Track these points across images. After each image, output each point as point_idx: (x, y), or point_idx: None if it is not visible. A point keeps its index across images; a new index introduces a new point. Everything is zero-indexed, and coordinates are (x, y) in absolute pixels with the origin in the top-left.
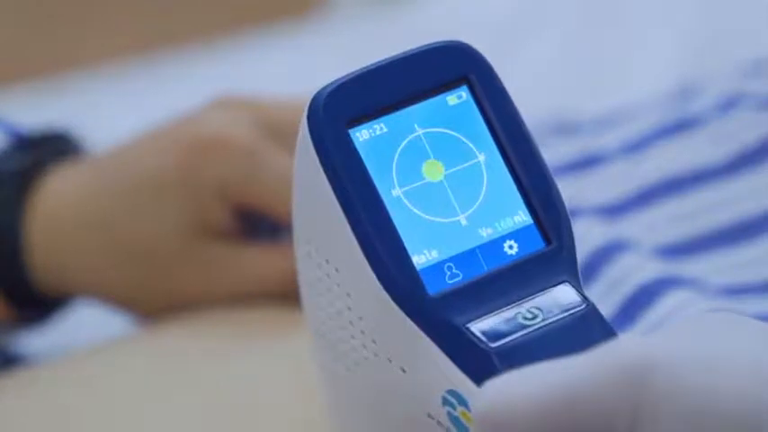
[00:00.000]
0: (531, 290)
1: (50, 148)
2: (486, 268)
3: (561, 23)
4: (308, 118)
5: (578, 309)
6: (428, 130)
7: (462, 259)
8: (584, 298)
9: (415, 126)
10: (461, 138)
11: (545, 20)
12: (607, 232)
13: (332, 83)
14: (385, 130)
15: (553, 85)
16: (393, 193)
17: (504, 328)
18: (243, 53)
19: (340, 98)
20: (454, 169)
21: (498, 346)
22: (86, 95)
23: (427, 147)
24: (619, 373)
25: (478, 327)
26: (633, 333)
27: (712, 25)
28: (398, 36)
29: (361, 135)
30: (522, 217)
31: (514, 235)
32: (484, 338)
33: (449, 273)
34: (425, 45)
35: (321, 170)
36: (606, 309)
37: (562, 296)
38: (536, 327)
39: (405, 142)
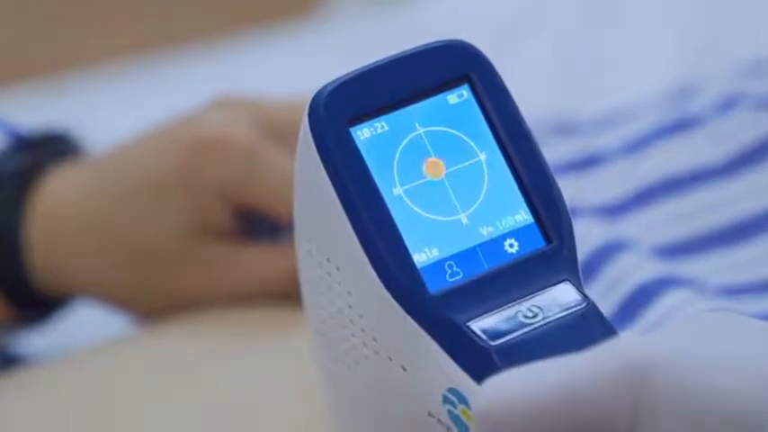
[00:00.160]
0: (531, 288)
1: (50, 149)
2: (486, 267)
3: (561, 23)
4: (310, 117)
5: (578, 307)
6: (429, 128)
7: (463, 258)
8: (585, 297)
9: (416, 125)
10: (462, 136)
11: (545, 20)
12: (606, 232)
13: (333, 81)
14: (386, 128)
15: (553, 85)
16: (394, 192)
17: (504, 326)
18: (243, 53)
19: (341, 97)
20: (455, 168)
21: (499, 345)
22: (86, 95)
23: (428, 145)
24: (619, 372)
25: (479, 325)
26: (633, 332)
27: (712, 25)
28: (398, 36)
29: (362, 134)
30: (523, 216)
31: (515, 233)
32: (484, 337)
33: (449, 271)
34: (426, 44)
35: (322, 169)
36: (605, 308)
37: (562, 295)
38: (536, 325)
39: (406, 141)
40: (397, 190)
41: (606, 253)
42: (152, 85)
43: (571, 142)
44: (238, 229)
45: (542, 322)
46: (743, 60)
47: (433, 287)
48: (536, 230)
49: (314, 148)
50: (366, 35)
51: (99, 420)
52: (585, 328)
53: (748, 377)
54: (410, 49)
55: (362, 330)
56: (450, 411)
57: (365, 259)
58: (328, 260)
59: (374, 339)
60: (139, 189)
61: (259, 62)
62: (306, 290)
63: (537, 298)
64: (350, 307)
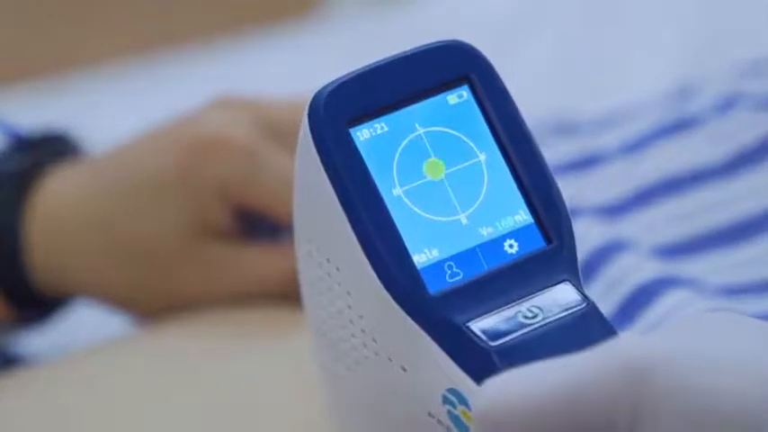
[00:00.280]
0: (531, 289)
1: (49, 149)
2: (486, 267)
3: (561, 23)
4: (309, 117)
5: (578, 308)
6: (429, 129)
7: (463, 258)
8: (585, 297)
9: (416, 125)
10: (462, 137)
11: (545, 20)
12: (605, 232)
13: (333, 82)
14: (386, 129)
15: (553, 85)
16: (394, 193)
17: (504, 326)
18: (243, 53)
19: (341, 97)
20: (455, 168)
21: (498, 345)
22: (86, 96)
23: (428, 146)
24: (619, 372)
25: (479, 325)
26: (633, 332)
27: (712, 25)
28: (398, 36)
29: (362, 134)
30: (523, 216)
31: (515, 234)
32: (484, 337)
33: (449, 272)
34: (426, 44)
35: (322, 169)
36: (605, 308)
37: (562, 295)
38: (536, 325)
39: (405, 141)
40: (397, 190)
41: (606, 253)
42: (152, 85)
43: (571, 142)
44: (238, 230)
45: (542, 323)
46: (742, 60)
47: (433, 288)
48: (536, 231)
49: (313, 149)
50: (366, 35)
51: (99, 420)
52: (585, 329)
53: (748, 377)
54: (410, 50)
55: (362, 331)
56: (449, 412)
57: (365, 260)
58: (328, 261)
59: (374, 340)
60: (139, 189)
61: (259, 62)
62: (306, 290)
63: (537, 298)
64: (350, 307)
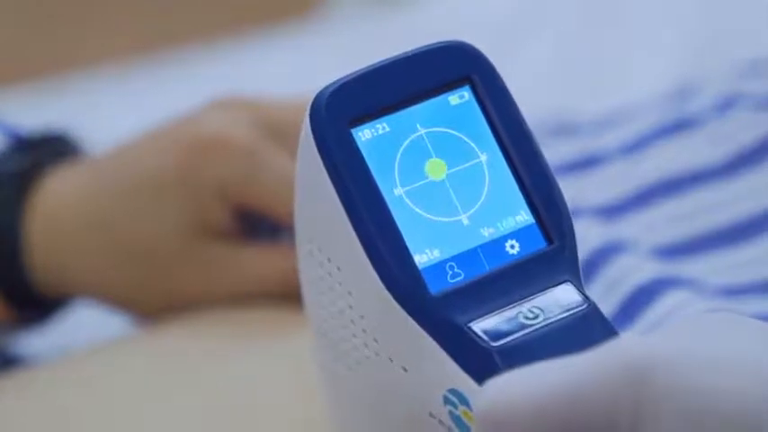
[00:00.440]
0: (532, 289)
1: (49, 150)
2: (487, 268)
3: (561, 23)
4: (311, 117)
5: (580, 308)
6: (430, 129)
7: (464, 259)
8: (586, 297)
9: (418, 126)
10: (463, 137)
11: (545, 20)
12: (605, 233)
13: (334, 82)
14: (387, 129)
15: (553, 85)
16: (395, 193)
17: (505, 327)
18: (243, 53)
19: (342, 98)
20: (456, 169)
21: (500, 346)
22: (87, 96)
23: (429, 146)
24: (620, 372)
25: (480, 326)
26: (633, 333)
27: (712, 25)
28: (398, 36)
29: (364, 134)
30: (524, 216)
31: (516, 234)
32: (485, 338)
33: (450, 272)
34: (428, 45)
35: (323, 169)
36: (605, 309)
37: (563, 296)
38: (537, 326)
39: (407, 142)
40: (399, 191)
41: (605, 254)
42: (152, 85)
43: (570, 143)
44: (238, 230)
45: (543, 323)
46: (741, 61)
47: (434, 288)
48: (537, 231)
49: (315, 149)
50: (366, 35)
51: (98, 421)
52: (586, 329)
53: (748, 377)
54: (411, 50)
55: (363, 331)
56: (451, 412)
57: (366, 260)
58: (329, 260)
59: (375, 340)
60: (139, 189)
61: (259, 62)
62: (307, 290)
63: (538, 299)
64: (351, 307)
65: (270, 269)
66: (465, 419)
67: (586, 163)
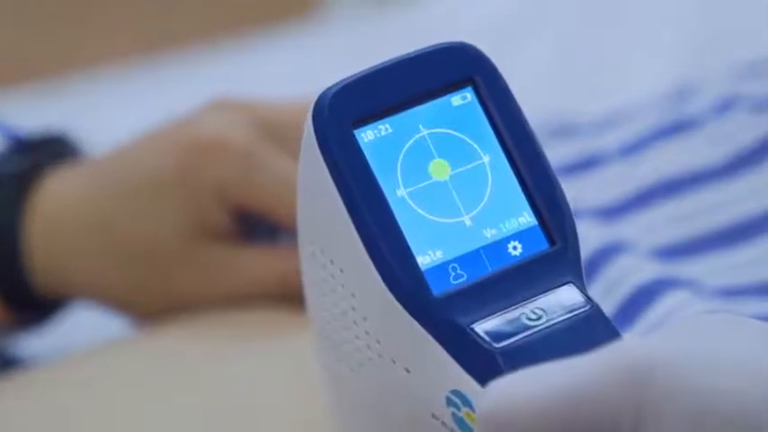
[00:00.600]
0: (535, 290)
1: (49, 151)
2: (490, 269)
3: (561, 24)
4: (314, 118)
5: (582, 309)
6: (433, 130)
7: (467, 260)
8: (589, 299)
9: (420, 127)
10: (466, 139)
11: (545, 20)
12: (604, 234)
13: (337, 83)
14: (390, 130)
15: (553, 86)
16: (398, 194)
17: (508, 328)
18: (243, 54)
19: (345, 99)
20: (459, 170)
21: (502, 347)
22: (87, 96)
23: (432, 147)
24: (623, 373)
25: (483, 327)
26: (633, 334)
27: (712, 25)
28: (399, 36)
29: (366, 136)
30: (527, 218)
31: (519, 236)
32: (488, 339)
33: (453, 273)
34: (430, 46)
35: (326, 170)
36: (605, 309)
37: (566, 297)
38: (540, 327)
39: (409, 143)
40: (401, 192)
41: (605, 254)
42: (152, 85)
43: (570, 144)
44: (237, 231)
45: (546, 325)
46: (739, 62)
47: (437, 289)
48: (540, 232)
49: (318, 150)
50: (366, 36)
51: (98, 422)
52: (589, 331)
53: (748, 377)
54: (414, 51)
55: (366, 332)
56: (453, 414)
57: (369, 261)
58: (332, 262)
59: (378, 341)
60: (139, 190)
61: (259, 63)
62: (309, 291)
63: (541, 300)
64: (353, 309)
65: (268, 271)
66: (468, 421)
67: (586, 164)
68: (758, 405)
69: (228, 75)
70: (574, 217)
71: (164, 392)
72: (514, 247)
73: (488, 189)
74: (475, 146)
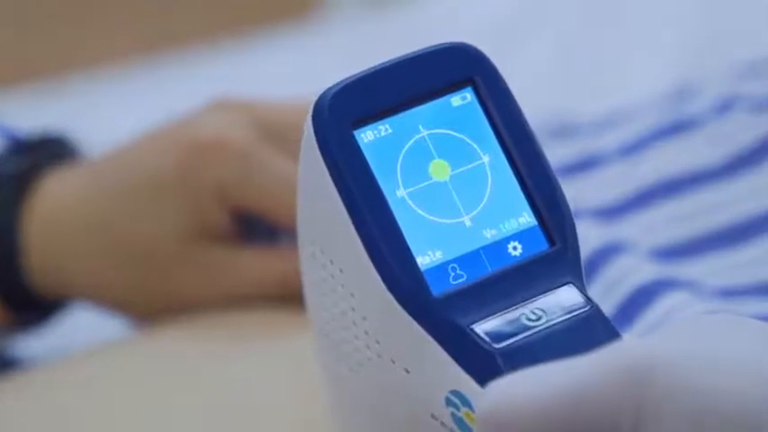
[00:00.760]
0: (534, 291)
1: (47, 152)
2: (490, 269)
3: (561, 24)
4: (313, 119)
5: (582, 310)
6: (432, 131)
7: (466, 260)
8: (588, 299)
9: (420, 127)
10: (466, 139)
11: (545, 20)
12: (604, 234)
13: (337, 84)
14: (390, 131)
15: (553, 86)
16: (397, 194)
17: (507, 329)
18: (243, 54)
19: (345, 99)
20: (459, 170)
21: (502, 347)
22: (86, 97)
23: (432, 148)
24: (623, 374)
25: (482, 328)
26: (632, 334)
27: (712, 25)
28: (398, 37)
29: (366, 136)
30: (527, 218)
31: (519, 236)
32: (488, 339)
33: (453, 274)
34: (430, 46)
35: (326, 171)
36: (604, 310)
37: (566, 297)
38: (540, 328)
39: (409, 143)
40: (401, 192)
41: (604, 255)
42: (152, 85)
43: (569, 144)
44: (236, 232)
45: (546, 325)
46: (739, 62)
47: (437, 290)
48: (539, 233)
49: (317, 151)
50: (366, 36)
51: (97, 422)
52: (589, 331)
53: (748, 377)
54: (414, 52)
55: (366, 333)
56: (453, 414)
57: (369, 262)
58: (332, 262)
59: (377, 342)
60: (138, 190)
61: (259, 63)
62: (309, 291)
63: (540, 301)
64: (353, 309)
65: (268, 271)
66: (467, 421)
67: (585, 164)
68: (758, 405)
69: (228, 75)
70: (574, 217)
71: (163, 393)
72: (514, 248)
73: (488, 189)
74: (475, 146)
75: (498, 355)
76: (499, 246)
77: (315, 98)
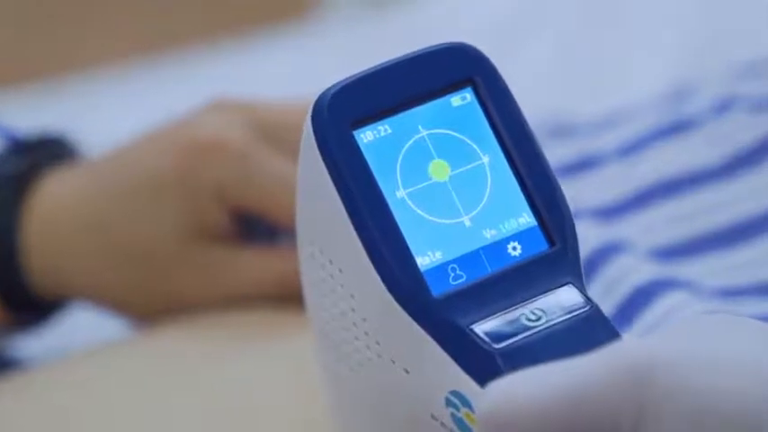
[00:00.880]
0: (534, 291)
1: (46, 152)
2: (489, 270)
3: (561, 24)
4: (313, 119)
5: (582, 310)
6: (432, 131)
7: (466, 260)
8: (588, 299)
9: (420, 127)
10: (465, 139)
11: (545, 20)
12: (603, 234)
13: (336, 84)
14: (389, 131)
15: (553, 86)
16: (397, 195)
17: (507, 329)
18: (243, 54)
19: (344, 99)
20: (458, 171)
21: (502, 348)
22: (86, 97)
23: (431, 148)
24: (623, 374)
25: (482, 328)
26: (631, 335)
27: (712, 25)
28: (397, 37)
29: (366, 136)
30: (526, 218)
31: (518, 236)
32: (487, 340)
33: (452, 274)
34: (430, 46)
35: (325, 171)
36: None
37: (566, 298)
38: (540, 328)
39: (409, 144)
40: (401, 193)
41: (603, 255)
42: (152, 86)
43: (568, 144)
44: (235, 232)
45: (546, 325)
46: (737, 62)
47: (437, 290)
48: (539, 233)
49: (317, 151)
50: (365, 36)
51: (96, 423)
52: (589, 331)
53: (748, 377)
54: (413, 52)
55: (365, 333)
56: (453, 414)
57: (368, 262)
58: (331, 262)
59: (377, 342)
60: (137, 191)
61: (259, 63)
62: (308, 292)
63: (540, 301)
64: (353, 310)
65: (267, 272)
66: (467, 421)
67: (584, 165)
68: (758, 405)
69: (228, 75)
70: (573, 217)
71: (163, 393)
72: (514, 248)
73: (488, 190)
74: (474, 146)
75: (498, 355)
76: (499, 246)
77: (314, 98)
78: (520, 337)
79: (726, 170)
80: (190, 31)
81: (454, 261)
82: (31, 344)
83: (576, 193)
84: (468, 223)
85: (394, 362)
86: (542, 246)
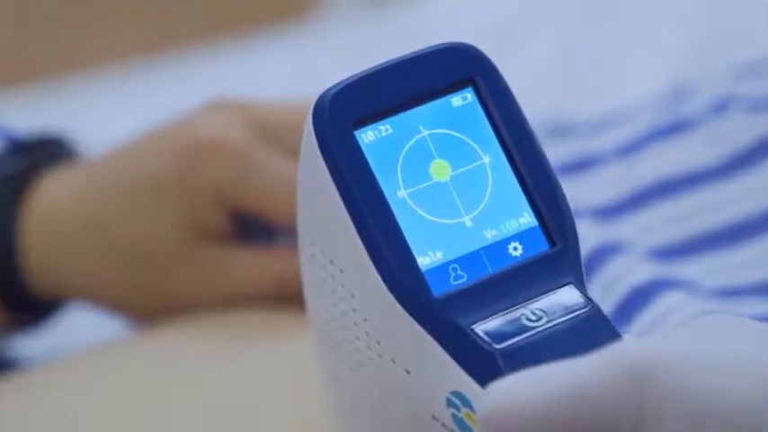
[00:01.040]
0: (535, 291)
1: (45, 153)
2: (490, 270)
3: (561, 24)
4: (314, 119)
5: (583, 310)
6: (433, 131)
7: (467, 261)
8: (589, 299)
9: (420, 127)
10: (466, 139)
11: (545, 20)
12: (601, 234)
13: (337, 84)
14: (390, 131)
15: (553, 86)
16: (398, 195)
17: (508, 329)
18: (243, 54)
19: (345, 99)
20: (459, 171)
21: (503, 348)
22: (86, 97)
23: (432, 148)
24: (624, 374)
25: (483, 328)
26: (630, 335)
27: (712, 25)
28: (397, 37)
29: (367, 136)
30: (527, 218)
31: (519, 236)
32: (488, 340)
33: (453, 274)
34: (431, 46)
35: (326, 171)
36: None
37: (566, 298)
38: (540, 328)
39: (410, 144)
40: (402, 193)
41: (602, 255)
42: (152, 86)
43: (566, 144)
44: (234, 232)
45: (546, 325)
46: (736, 62)
47: (438, 290)
48: (540, 233)
49: (318, 151)
50: (365, 36)
51: (96, 423)
52: (589, 332)
53: (747, 377)
54: (414, 52)
55: (366, 333)
56: (453, 415)
57: (369, 262)
58: (332, 262)
59: (378, 342)
60: (136, 191)
61: (259, 63)
62: (309, 292)
63: (541, 301)
64: (354, 310)
65: (265, 272)
66: (468, 422)
67: (582, 165)
68: (758, 405)
69: (228, 75)
70: (574, 217)
71: (162, 393)
72: (515, 248)
73: (489, 190)
74: (475, 146)
75: (499, 355)
76: (500, 246)
77: (315, 98)
78: (521, 337)
79: (724, 170)
80: (190, 31)
81: (455, 261)
82: (31, 344)
83: (575, 192)
84: (469, 223)
85: (395, 362)
86: (543, 246)
